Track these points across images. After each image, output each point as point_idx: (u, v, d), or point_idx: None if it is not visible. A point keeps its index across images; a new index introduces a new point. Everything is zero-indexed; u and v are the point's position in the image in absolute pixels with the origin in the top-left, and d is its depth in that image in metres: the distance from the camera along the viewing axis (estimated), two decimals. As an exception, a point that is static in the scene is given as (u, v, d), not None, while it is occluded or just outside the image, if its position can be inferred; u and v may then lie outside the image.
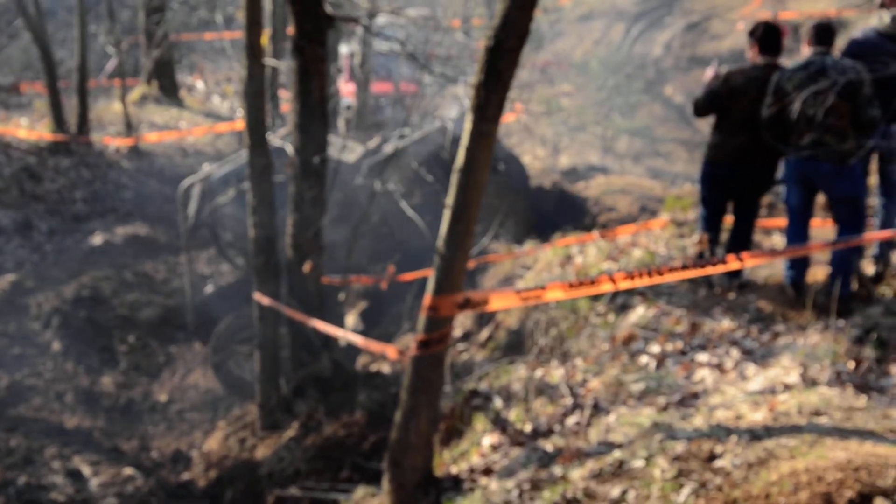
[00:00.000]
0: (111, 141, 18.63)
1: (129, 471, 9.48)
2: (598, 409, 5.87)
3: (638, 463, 4.86)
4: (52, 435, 10.18)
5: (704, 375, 5.99)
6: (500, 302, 6.16)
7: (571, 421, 5.87)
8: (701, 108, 7.76)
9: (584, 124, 17.53)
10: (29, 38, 20.03)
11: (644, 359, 6.39)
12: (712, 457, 4.73)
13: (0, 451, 9.57)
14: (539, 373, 6.68)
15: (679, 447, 4.87)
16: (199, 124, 21.22)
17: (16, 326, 12.44)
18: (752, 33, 7.62)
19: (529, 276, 9.43)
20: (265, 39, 10.73)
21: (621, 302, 7.41)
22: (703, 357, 6.24)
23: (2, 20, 26.87)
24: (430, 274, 5.59)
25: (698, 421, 5.25)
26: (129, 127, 19.04)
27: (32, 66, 22.75)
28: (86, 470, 9.41)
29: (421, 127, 11.28)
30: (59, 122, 18.05)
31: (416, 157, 11.54)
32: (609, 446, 5.22)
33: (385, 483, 6.14)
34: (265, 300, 9.16)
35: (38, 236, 15.36)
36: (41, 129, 18.35)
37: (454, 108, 12.65)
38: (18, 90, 22.29)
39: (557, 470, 5.14)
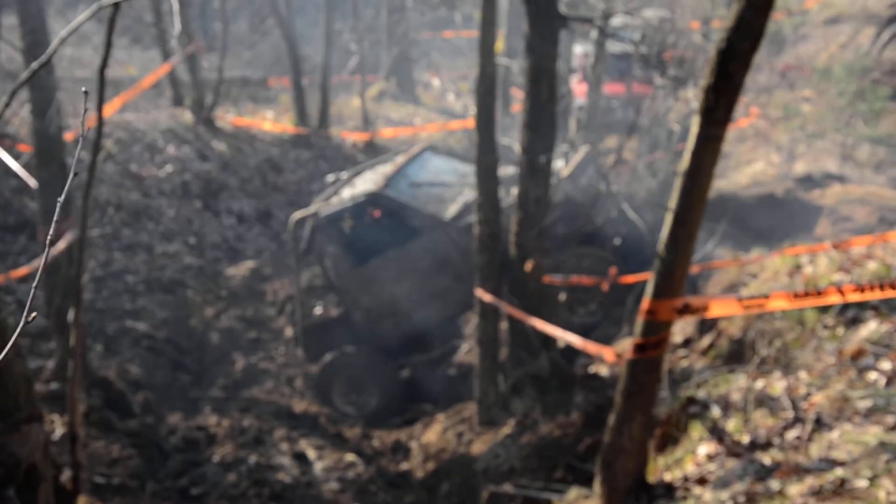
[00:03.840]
0: (349, 135, 19.30)
1: (351, 457, 9.80)
2: (820, 425, 5.68)
3: (861, 483, 4.68)
4: (282, 417, 10.64)
5: (939, 397, 5.70)
6: (720, 309, 6.04)
7: (792, 435, 5.71)
8: None
9: (822, 131, 16.84)
10: (279, 34, 21.00)
11: (873, 375, 6.13)
12: (943, 482, 4.51)
13: (234, 431, 10.08)
14: (760, 384, 6.52)
15: (906, 469, 4.67)
16: (432, 121, 21.68)
17: (253, 311, 13.07)
18: None
19: (754, 285, 9.18)
20: (500, 41, 10.86)
21: (852, 315, 7.11)
22: (938, 378, 5.93)
23: (255, 18, 28.28)
24: (650, 277, 5.55)
25: (929, 444, 5.01)
26: (367, 122, 19.69)
27: (281, 61, 23.79)
28: (311, 453, 9.78)
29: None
30: (301, 115, 18.87)
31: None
32: (830, 463, 5.05)
33: (596, 486, 6.14)
34: (487, 297, 9.28)
35: (277, 225, 16.09)
36: (285, 122, 19.20)
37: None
38: (267, 84, 23.35)
39: (775, 484, 5.02)
